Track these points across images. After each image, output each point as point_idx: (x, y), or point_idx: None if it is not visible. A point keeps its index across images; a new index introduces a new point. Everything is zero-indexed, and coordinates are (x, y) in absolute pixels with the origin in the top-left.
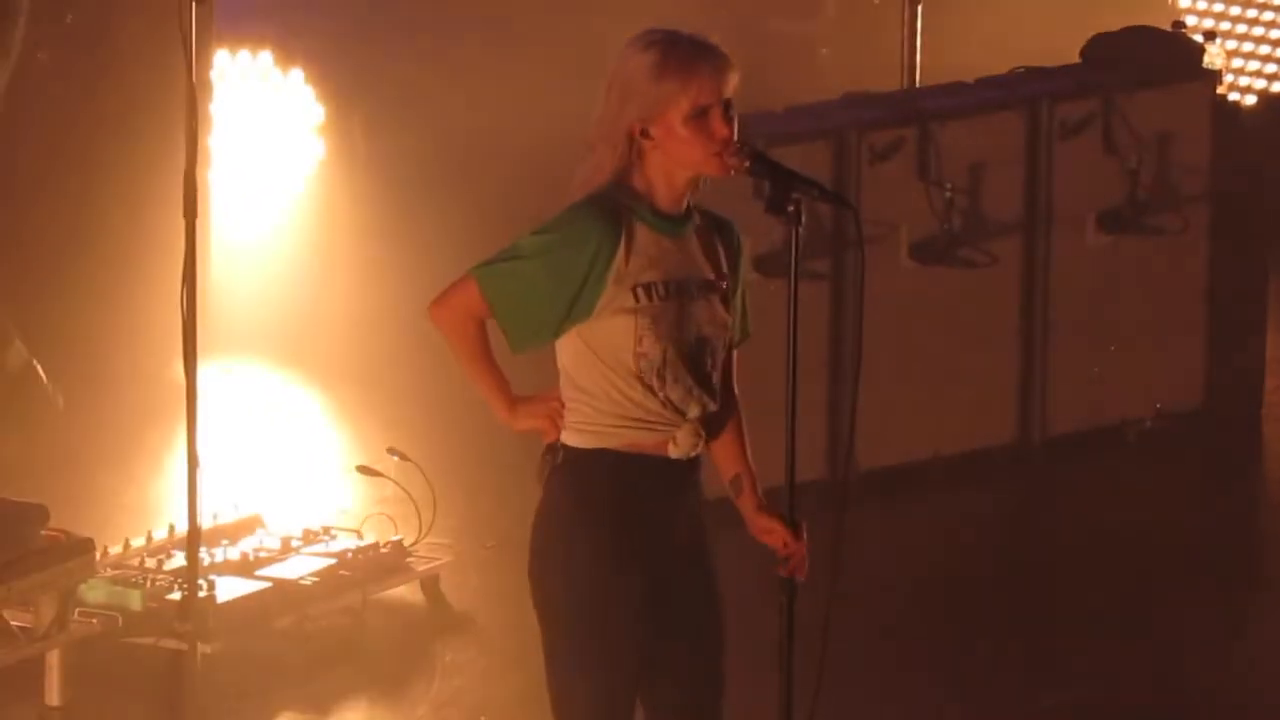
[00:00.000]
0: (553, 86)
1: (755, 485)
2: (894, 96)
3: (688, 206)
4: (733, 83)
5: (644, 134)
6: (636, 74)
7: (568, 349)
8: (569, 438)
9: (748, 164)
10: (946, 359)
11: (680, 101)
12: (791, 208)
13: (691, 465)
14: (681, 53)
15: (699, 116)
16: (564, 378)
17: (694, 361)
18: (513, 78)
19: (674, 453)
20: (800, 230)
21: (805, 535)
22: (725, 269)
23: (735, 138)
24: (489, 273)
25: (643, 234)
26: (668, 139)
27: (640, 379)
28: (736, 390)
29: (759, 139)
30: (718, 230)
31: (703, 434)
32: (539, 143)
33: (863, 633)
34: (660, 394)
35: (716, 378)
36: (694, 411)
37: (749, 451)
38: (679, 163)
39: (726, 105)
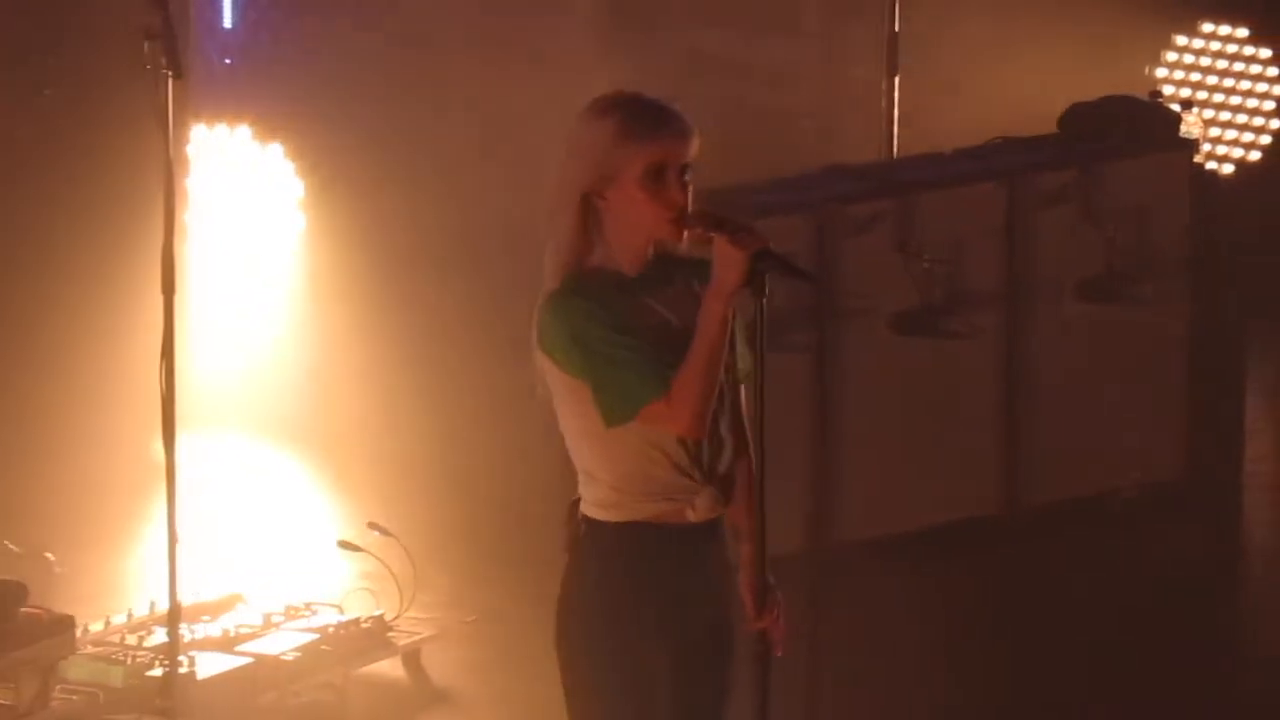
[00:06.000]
0: (536, 159)
1: (752, 541)
2: (874, 169)
3: (653, 261)
4: (692, 148)
5: (599, 196)
6: (596, 136)
7: (582, 428)
8: (590, 510)
9: (708, 232)
10: (928, 430)
11: (636, 162)
12: (757, 278)
13: (712, 526)
14: (641, 114)
15: (655, 179)
16: (580, 456)
17: None
18: (495, 149)
19: (692, 518)
20: (765, 302)
21: (777, 611)
22: None
23: (690, 205)
24: (607, 397)
25: (622, 305)
26: (621, 201)
27: (659, 447)
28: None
29: (740, 211)
30: (695, 275)
31: (721, 497)
32: (523, 213)
33: (847, 703)
34: (679, 459)
35: (724, 423)
36: (708, 460)
37: (758, 504)
38: (633, 226)
39: (683, 170)
